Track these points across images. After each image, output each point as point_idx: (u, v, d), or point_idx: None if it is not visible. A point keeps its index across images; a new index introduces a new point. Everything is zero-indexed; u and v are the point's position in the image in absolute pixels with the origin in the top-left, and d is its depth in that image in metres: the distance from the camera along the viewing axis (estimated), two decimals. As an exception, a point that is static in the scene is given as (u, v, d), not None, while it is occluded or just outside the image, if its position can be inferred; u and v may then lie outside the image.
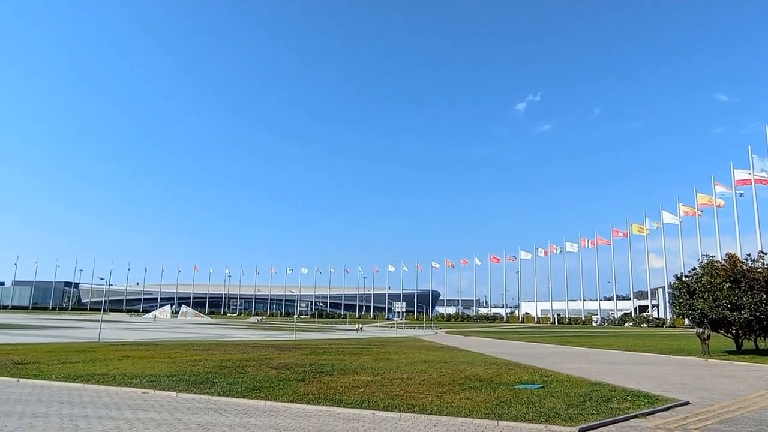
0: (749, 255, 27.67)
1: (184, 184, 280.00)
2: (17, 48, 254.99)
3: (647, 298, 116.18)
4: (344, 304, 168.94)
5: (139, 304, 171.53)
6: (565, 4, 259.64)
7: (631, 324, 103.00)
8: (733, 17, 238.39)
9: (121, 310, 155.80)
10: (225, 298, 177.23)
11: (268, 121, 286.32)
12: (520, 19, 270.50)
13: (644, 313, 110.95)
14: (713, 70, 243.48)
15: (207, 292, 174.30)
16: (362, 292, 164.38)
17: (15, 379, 14.35)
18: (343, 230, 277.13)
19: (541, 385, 14.59)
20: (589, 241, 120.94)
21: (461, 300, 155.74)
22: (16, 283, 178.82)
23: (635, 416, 10.53)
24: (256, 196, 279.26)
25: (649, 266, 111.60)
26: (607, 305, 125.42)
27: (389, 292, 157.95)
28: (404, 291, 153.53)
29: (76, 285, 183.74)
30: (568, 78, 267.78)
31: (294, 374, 16.31)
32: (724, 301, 24.71)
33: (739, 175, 77.68)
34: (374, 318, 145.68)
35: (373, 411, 10.61)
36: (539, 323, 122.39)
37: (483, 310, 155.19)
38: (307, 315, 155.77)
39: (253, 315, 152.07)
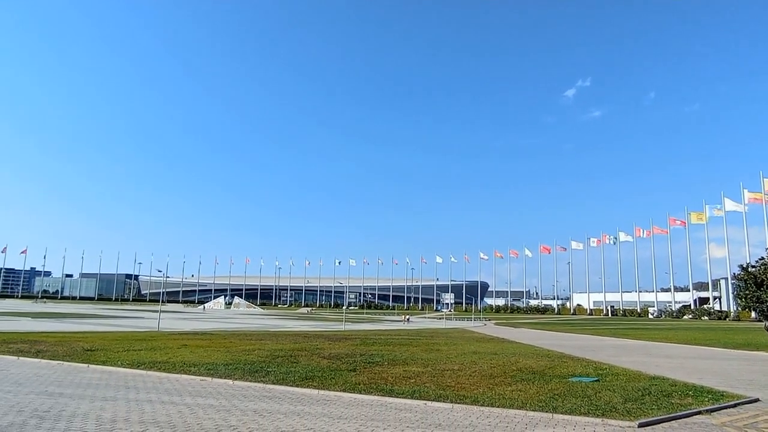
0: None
1: (236, 182, 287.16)
2: (86, 57, 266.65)
3: (708, 290, 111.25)
4: (392, 296, 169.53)
5: (195, 296, 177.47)
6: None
7: (690, 316, 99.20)
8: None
9: (177, 301, 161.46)
10: (276, 289, 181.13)
11: (315, 114, 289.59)
12: (567, 3, 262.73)
13: (705, 305, 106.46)
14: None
15: (258, 283, 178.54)
16: (410, 284, 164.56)
17: (85, 365, 15.10)
18: (392, 223, 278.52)
19: (596, 378, 14.24)
20: (644, 231, 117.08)
21: (510, 291, 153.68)
22: (82, 275, 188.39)
23: (699, 412, 10.09)
24: (306, 190, 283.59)
25: (709, 256, 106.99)
26: (664, 297, 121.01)
27: (437, 283, 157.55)
28: (452, 282, 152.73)
29: (136, 277, 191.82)
30: (620, 61, 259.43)
31: (345, 364, 16.50)
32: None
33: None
34: (422, 309, 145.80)
35: (424, 401, 10.62)
36: (592, 315, 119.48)
37: (533, 302, 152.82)
38: (355, 306, 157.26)
39: (303, 306, 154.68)
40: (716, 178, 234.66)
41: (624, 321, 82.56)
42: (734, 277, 32.26)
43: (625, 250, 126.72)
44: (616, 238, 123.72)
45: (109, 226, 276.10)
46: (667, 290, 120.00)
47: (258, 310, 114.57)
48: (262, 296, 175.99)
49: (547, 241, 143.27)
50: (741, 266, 28.59)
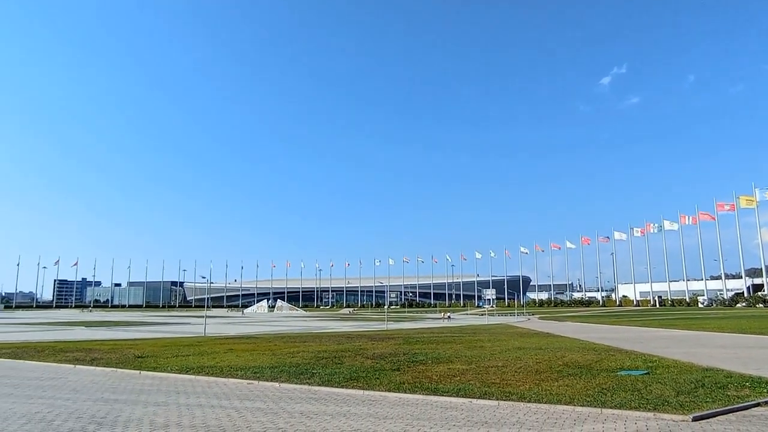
0: None
1: (273, 191, 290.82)
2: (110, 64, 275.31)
3: (762, 276, 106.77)
4: (433, 293, 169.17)
5: (238, 300, 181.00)
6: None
7: (744, 304, 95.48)
8: None
9: (222, 306, 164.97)
10: (317, 291, 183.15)
11: (345, 117, 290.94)
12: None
13: (759, 293, 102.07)
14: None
15: (300, 286, 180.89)
16: (451, 281, 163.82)
17: (137, 372, 15.59)
18: (429, 221, 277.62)
19: (646, 371, 13.86)
20: (690, 218, 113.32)
21: (553, 285, 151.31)
22: (130, 284, 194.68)
23: (758, 404, 9.70)
24: (340, 195, 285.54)
25: (762, 241, 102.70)
26: (714, 285, 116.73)
27: (478, 279, 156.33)
28: (493, 278, 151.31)
29: (181, 284, 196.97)
30: (656, 46, 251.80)
31: (389, 364, 16.54)
32: None
33: None
34: (464, 306, 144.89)
35: (470, 399, 10.55)
36: (639, 306, 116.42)
37: (577, 295, 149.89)
38: (397, 305, 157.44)
39: (345, 307, 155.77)
40: (765, 160, 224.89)
41: (673, 311, 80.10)
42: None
43: (671, 238, 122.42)
44: (660, 227, 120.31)
45: (153, 236, 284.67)
46: (718, 278, 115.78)
47: (300, 312, 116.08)
48: (303, 298, 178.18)
49: (589, 233, 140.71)
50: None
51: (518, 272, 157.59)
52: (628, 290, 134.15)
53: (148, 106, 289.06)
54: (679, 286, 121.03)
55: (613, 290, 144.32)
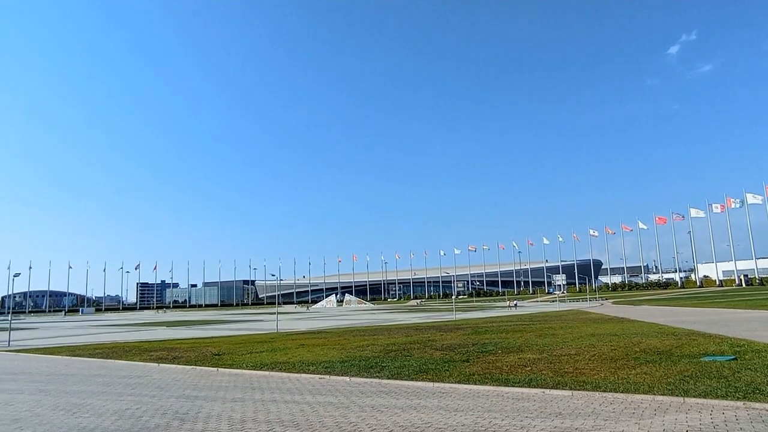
0: None
1: (335, 186, 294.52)
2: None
3: None
4: (501, 281, 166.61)
5: (307, 296, 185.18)
6: None
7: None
8: None
9: (292, 302, 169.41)
10: (384, 284, 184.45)
11: (397, 106, 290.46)
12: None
13: None
14: None
15: (367, 279, 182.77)
16: (518, 267, 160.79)
17: (215, 369, 16.26)
18: (493, 208, 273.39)
19: (733, 357, 13.08)
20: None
21: (626, 267, 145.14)
22: (205, 284, 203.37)
23: None
24: (402, 185, 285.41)
25: None
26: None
27: (547, 265, 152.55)
28: (563, 263, 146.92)
29: (253, 282, 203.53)
30: (728, 8, 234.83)
31: (458, 355, 16.45)
32: None
33: None
34: (533, 293, 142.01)
35: (542, 389, 10.32)
36: (722, 287, 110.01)
37: (653, 277, 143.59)
38: (464, 295, 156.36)
39: (412, 298, 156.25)
40: None
41: (761, 291, 75.18)
42: None
43: (755, 212, 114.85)
44: (742, 201, 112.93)
45: (225, 238, 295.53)
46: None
47: (368, 305, 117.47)
48: (371, 292, 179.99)
49: (662, 212, 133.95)
50: None
51: (588, 256, 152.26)
52: (709, 270, 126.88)
53: (218, 117, 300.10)
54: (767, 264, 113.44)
55: (692, 271, 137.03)
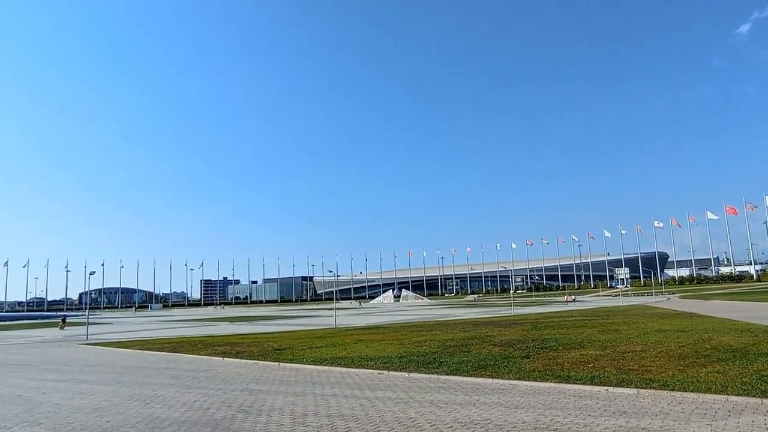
0: None
1: (390, 182, 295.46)
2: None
3: None
4: (561, 275, 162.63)
5: (364, 291, 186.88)
6: None
7: None
8: None
9: (349, 298, 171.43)
10: (440, 279, 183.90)
11: (467, 101, 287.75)
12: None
13: None
14: None
15: (423, 275, 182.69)
16: (578, 261, 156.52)
17: (276, 363, 16.71)
18: (551, 200, 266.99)
19: (816, 354, 12.28)
20: None
21: (694, 260, 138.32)
22: (265, 281, 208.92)
23: None
24: (458, 177, 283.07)
25: None
26: None
27: (608, 258, 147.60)
28: (626, 256, 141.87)
29: (311, 278, 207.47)
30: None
31: (517, 351, 16.22)
32: None
33: None
34: (595, 287, 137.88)
35: (606, 387, 10.03)
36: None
37: (724, 270, 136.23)
38: (522, 289, 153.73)
39: (470, 293, 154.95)
40: None
41: None
42: None
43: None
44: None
45: (283, 234, 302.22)
46: None
47: (425, 300, 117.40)
48: (427, 287, 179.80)
49: (733, 201, 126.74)
50: None
51: (653, 248, 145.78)
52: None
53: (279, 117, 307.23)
54: None
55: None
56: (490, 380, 11.63)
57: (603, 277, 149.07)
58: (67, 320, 52.83)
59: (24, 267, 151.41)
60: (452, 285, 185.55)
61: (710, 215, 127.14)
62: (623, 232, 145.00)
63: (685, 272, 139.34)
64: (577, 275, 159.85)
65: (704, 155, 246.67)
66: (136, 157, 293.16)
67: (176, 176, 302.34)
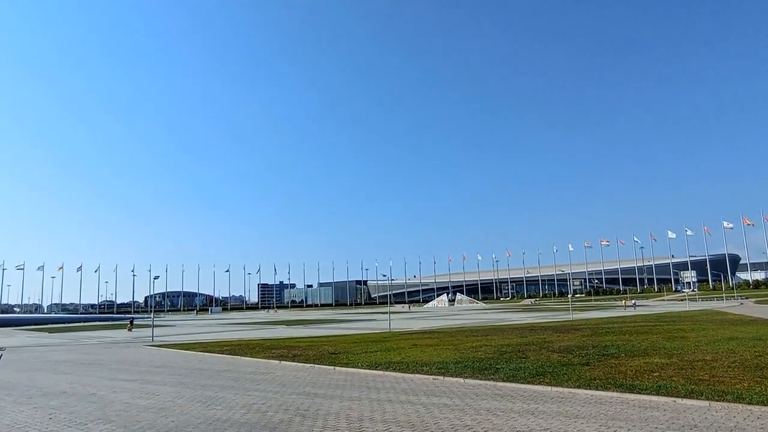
0: None
1: (444, 184, 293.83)
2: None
3: None
4: (621, 279, 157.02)
5: (418, 295, 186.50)
6: None
7: None
8: None
9: (404, 302, 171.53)
10: (495, 282, 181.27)
11: (525, 104, 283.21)
12: None
13: None
14: None
15: (477, 278, 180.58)
16: (640, 264, 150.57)
17: (332, 367, 16.86)
18: (609, 201, 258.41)
19: None
20: None
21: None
22: (320, 284, 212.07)
23: None
24: (512, 179, 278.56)
25: None
26: None
27: (673, 261, 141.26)
28: (692, 258, 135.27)
29: (365, 282, 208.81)
30: None
31: (577, 358, 15.74)
32: None
33: None
34: (659, 291, 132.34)
35: (673, 399, 9.56)
36: None
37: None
38: (581, 293, 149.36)
39: (526, 297, 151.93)
40: None
41: None
42: None
43: None
44: None
45: (337, 239, 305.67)
46: None
47: (480, 304, 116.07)
48: (482, 291, 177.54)
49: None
50: None
51: (723, 250, 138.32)
52: None
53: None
54: None
55: None
56: (548, 388, 11.32)
57: (667, 281, 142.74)
58: (134, 322, 55.33)
59: (96, 272, 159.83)
60: (507, 289, 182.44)
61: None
62: (689, 233, 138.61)
63: (760, 275, 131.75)
64: (639, 279, 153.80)
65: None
66: (199, 169, 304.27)
67: (235, 185, 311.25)
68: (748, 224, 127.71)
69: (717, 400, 9.17)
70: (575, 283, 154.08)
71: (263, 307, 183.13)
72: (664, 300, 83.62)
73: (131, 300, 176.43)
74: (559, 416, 8.84)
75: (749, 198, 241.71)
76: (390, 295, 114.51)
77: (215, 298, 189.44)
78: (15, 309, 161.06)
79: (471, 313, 70.04)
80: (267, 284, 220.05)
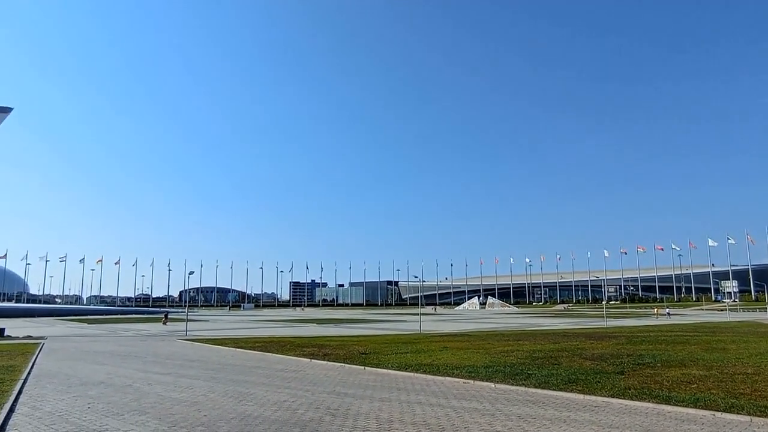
0: None
1: (477, 185, 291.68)
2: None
3: None
4: (658, 287, 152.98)
5: (450, 298, 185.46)
6: None
7: None
8: None
9: (434, 304, 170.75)
10: (528, 287, 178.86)
11: (563, 106, 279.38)
12: None
13: None
14: None
15: (510, 282, 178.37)
16: (678, 272, 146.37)
17: (362, 367, 16.93)
18: (645, 207, 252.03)
19: None
20: None
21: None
22: (351, 284, 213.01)
23: None
24: (542, 184, 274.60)
25: None
26: None
27: (713, 269, 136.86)
28: (733, 267, 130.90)
29: (396, 283, 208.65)
30: None
31: (611, 366, 15.44)
32: None
33: None
34: (697, 300, 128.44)
35: (712, 412, 9.29)
36: None
37: None
38: (616, 300, 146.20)
39: (559, 303, 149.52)
40: None
41: None
42: None
43: None
44: None
45: (368, 238, 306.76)
46: None
47: (512, 308, 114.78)
48: (514, 295, 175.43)
49: None
50: None
51: (767, 260, 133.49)
52: None
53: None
54: None
55: None
56: (581, 396, 11.14)
57: (707, 290, 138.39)
58: (169, 316, 56.61)
59: (133, 266, 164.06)
60: (540, 293, 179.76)
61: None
62: (731, 241, 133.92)
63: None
64: (677, 287, 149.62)
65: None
66: (239, 162, 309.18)
67: (276, 182, 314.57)
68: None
69: (759, 416, 8.87)
70: (610, 290, 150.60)
71: (294, 305, 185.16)
72: (702, 309, 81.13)
73: (166, 294, 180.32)
74: (591, 425, 8.69)
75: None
76: (421, 296, 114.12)
77: (248, 295, 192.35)
78: (56, 300, 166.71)
79: (502, 317, 69.35)
80: (299, 282, 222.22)
